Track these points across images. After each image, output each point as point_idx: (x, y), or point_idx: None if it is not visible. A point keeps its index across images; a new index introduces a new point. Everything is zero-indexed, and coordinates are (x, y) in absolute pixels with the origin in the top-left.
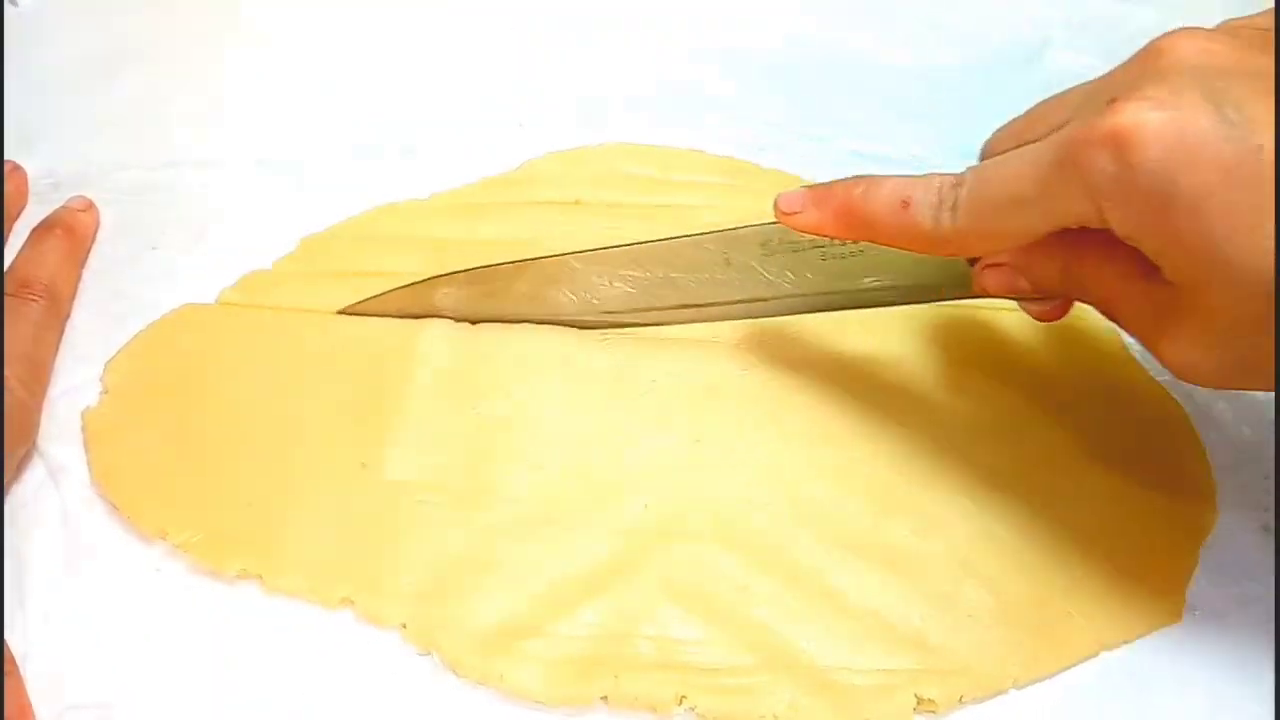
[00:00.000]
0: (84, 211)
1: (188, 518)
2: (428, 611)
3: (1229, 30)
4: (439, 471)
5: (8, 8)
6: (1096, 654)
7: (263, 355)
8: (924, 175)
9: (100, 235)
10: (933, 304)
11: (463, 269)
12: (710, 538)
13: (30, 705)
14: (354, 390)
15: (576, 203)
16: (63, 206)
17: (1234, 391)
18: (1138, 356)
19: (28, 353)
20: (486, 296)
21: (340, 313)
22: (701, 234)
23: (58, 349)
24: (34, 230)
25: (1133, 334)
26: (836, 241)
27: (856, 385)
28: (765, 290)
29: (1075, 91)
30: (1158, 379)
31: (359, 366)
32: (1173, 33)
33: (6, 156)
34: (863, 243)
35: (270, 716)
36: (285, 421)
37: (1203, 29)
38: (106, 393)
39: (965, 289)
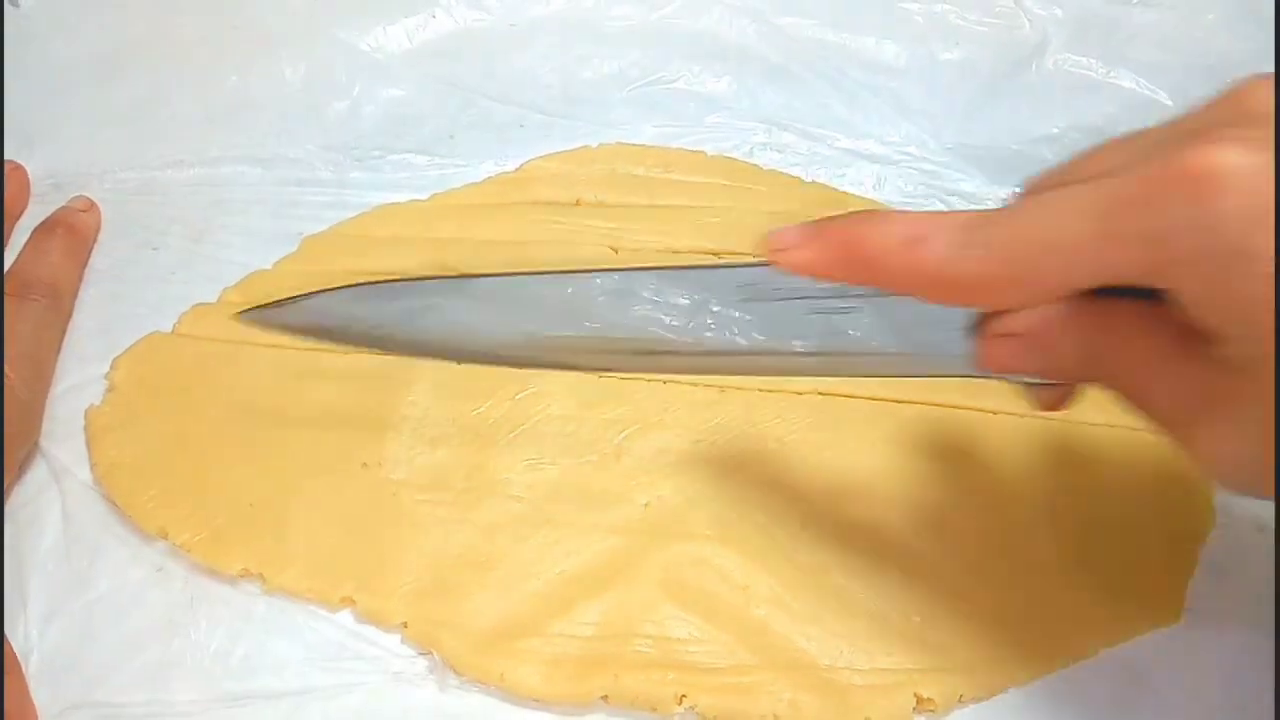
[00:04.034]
0: (85, 212)
1: (189, 517)
2: (428, 611)
3: None
4: (440, 471)
5: (8, 8)
6: (1096, 654)
7: (265, 356)
8: (942, 212)
9: (101, 235)
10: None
11: (407, 278)
12: (710, 538)
13: (32, 704)
14: (356, 390)
15: (577, 203)
16: (64, 207)
17: None
18: None
19: (29, 352)
20: (428, 311)
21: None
22: (678, 268)
23: (59, 349)
24: (35, 230)
25: (1158, 422)
26: (828, 295)
27: (857, 386)
28: (740, 345)
29: (1138, 135)
30: None
31: (361, 366)
32: (1258, 77)
33: (7, 156)
34: (857, 300)
35: (271, 715)
36: (287, 421)
37: None
38: (112, 390)
39: (966, 365)
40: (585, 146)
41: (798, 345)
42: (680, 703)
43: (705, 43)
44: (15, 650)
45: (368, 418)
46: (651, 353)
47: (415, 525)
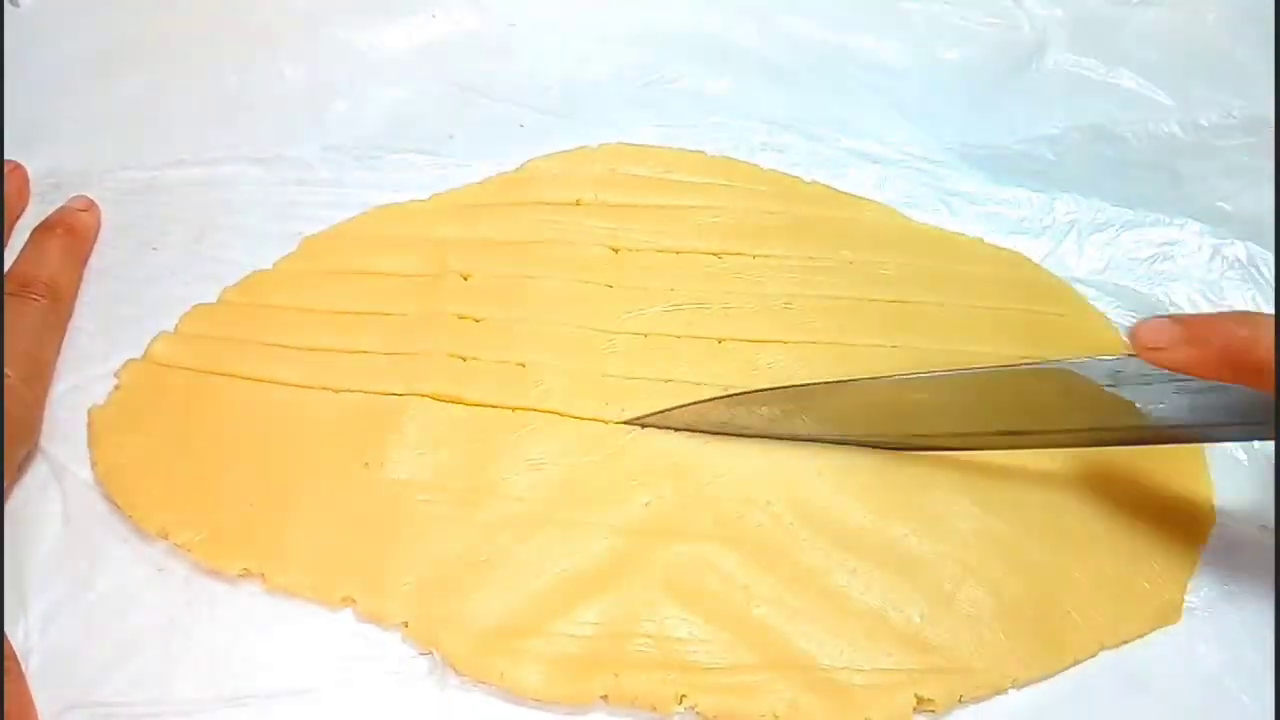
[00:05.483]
0: (85, 211)
1: (190, 517)
2: (429, 610)
3: None
4: (440, 471)
5: (8, 8)
6: (1096, 654)
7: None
8: None
9: (101, 235)
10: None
11: (771, 387)
12: (710, 538)
13: (32, 703)
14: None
15: (577, 203)
16: (64, 206)
17: None
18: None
19: (30, 352)
20: (798, 413)
21: (628, 422)
22: (1047, 364)
23: (59, 348)
24: (35, 230)
25: None
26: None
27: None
28: (1105, 421)
29: None
30: None
31: (364, 368)
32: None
33: (7, 156)
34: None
35: (271, 715)
36: (288, 421)
37: None
38: (119, 389)
39: None
40: (585, 147)
41: (1160, 420)
42: (680, 702)
43: (705, 43)
44: (15, 650)
45: (369, 418)
46: (1016, 433)
47: (416, 525)
